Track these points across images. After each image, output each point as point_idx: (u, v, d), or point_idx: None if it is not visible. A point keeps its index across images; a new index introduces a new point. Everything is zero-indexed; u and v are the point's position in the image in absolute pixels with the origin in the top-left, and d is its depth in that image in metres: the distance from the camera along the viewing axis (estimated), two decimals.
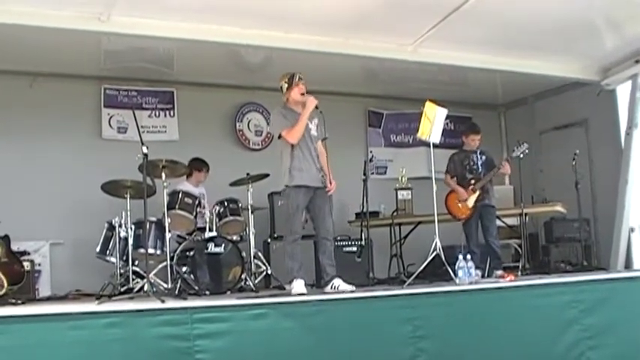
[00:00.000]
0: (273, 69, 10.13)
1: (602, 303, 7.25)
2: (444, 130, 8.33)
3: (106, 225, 8.38)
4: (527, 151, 8.99)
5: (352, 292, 6.96)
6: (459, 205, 8.89)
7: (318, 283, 8.01)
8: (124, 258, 8.05)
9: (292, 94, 7.38)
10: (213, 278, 8.06)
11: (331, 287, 7.16)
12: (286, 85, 7.41)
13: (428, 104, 8.09)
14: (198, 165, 9.36)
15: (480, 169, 8.98)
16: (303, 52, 8.48)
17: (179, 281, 7.91)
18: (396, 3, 7.73)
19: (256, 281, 8.56)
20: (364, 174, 8.66)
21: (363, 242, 9.21)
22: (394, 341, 6.31)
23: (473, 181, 8.86)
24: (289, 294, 6.97)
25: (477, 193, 8.82)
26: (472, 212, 8.84)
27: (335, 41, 8.49)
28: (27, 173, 9.44)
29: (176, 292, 7.57)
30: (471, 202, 8.82)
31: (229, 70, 10.42)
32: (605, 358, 7.05)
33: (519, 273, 9.00)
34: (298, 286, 7.07)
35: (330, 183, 7.34)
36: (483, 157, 9.13)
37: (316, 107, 7.24)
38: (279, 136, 7.30)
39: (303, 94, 7.35)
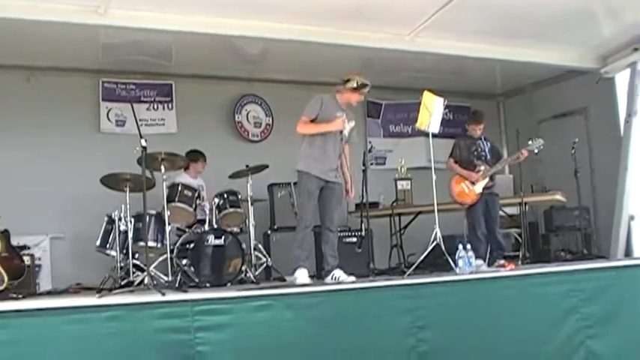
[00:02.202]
0: (271, 60, 10.17)
1: (602, 291, 7.27)
2: (442, 120, 8.33)
3: (106, 218, 8.37)
4: (542, 147, 8.86)
5: (352, 282, 6.98)
6: (466, 190, 8.80)
7: (318, 274, 8.02)
8: (124, 251, 8.03)
9: (351, 96, 7.57)
10: (214, 270, 8.06)
11: (332, 278, 7.20)
12: (354, 85, 7.50)
13: (426, 94, 8.08)
14: (193, 156, 9.36)
15: (488, 156, 8.93)
16: (301, 43, 8.49)
17: (179, 274, 7.92)
18: None
19: (257, 273, 8.55)
20: (363, 164, 8.65)
21: (363, 233, 9.20)
22: (395, 331, 6.32)
23: (482, 168, 8.80)
24: (290, 285, 6.98)
25: (487, 179, 8.79)
26: (478, 199, 8.79)
27: (332, 32, 8.48)
28: (25, 168, 9.43)
29: (176, 284, 7.57)
30: (479, 187, 8.73)
31: (227, 62, 10.41)
32: (604, 347, 7.06)
33: (519, 262, 9.01)
34: (302, 275, 7.12)
35: (351, 191, 7.64)
36: (488, 144, 9.08)
37: (340, 132, 7.40)
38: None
39: (356, 102, 7.68)
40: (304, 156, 7.40)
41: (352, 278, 7.16)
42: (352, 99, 7.53)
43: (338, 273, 7.21)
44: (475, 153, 8.89)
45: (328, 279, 7.22)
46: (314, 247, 7.98)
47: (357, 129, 11.74)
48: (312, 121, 7.38)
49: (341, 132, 7.38)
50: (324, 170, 7.33)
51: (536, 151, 8.86)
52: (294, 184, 8.84)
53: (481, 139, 9.04)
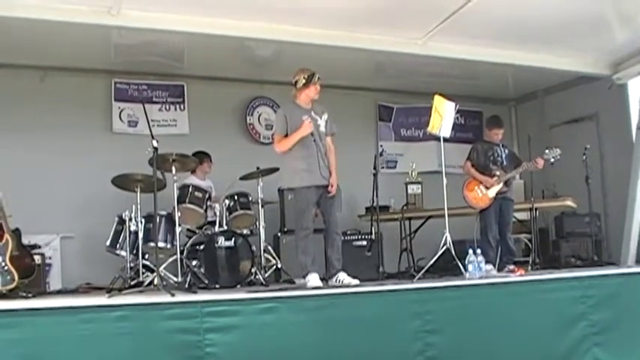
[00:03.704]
0: (283, 63, 10.13)
1: (611, 298, 7.25)
2: (454, 125, 8.33)
3: (117, 219, 8.40)
4: (559, 157, 8.84)
5: (356, 286, 6.98)
6: (479, 194, 8.82)
7: (327, 276, 8.04)
8: (134, 252, 8.06)
9: (308, 92, 7.43)
10: (224, 272, 8.08)
11: (336, 280, 7.20)
12: (303, 82, 7.41)
13: (437, 98, 8.08)
14: (199, 157, 9.28)
15: (505, 162, 8.94)
16: (313, 46, 8.47)
17: (189, 275, 7.94)
18: None
19: (266, 275, 8.57)
20: (374, 168, 8.63)
21: (373, 236, 9.19)
22: (403, 335, 6.32)
23: (498, 173, 8.80)
24: (300, 288, 6.98)
25: (501, 184, 8.78)
26: (490, 203, 8.80)
27: (345, 35, 8.48)
28: (38, 167, 9.44)
29: (186, 285, 7.59)
30: (492, 192, 8.74)
31: (240, 63, 10.41)
32: (611, 355, 7.04)
33: (529, 268, 8.98)
34: (313, 279, 7.13)
35: (331, 185, 7.37)
36: (506, 151, 9.12)
37: (311, 134, 7.31)
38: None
39: (317, 94, 7.44)
40: (293, 172, 7.39)
41: (356, 282, 7.16)
42: (310, 94, 7.44)
43: (342, 276, 7.21)
44: (491, 158, 8.90)
45: (332, 281, 7.23)
46: (317, 249, 7.97)
47: (369, 132, 11.92)
48: (286, 136, 7.38)
49: (312, 134, 7.34)
50: (318, 176, 7.32)
51: (552, 160, 8.84)
52: None
53: (499, 145, 9.05)
